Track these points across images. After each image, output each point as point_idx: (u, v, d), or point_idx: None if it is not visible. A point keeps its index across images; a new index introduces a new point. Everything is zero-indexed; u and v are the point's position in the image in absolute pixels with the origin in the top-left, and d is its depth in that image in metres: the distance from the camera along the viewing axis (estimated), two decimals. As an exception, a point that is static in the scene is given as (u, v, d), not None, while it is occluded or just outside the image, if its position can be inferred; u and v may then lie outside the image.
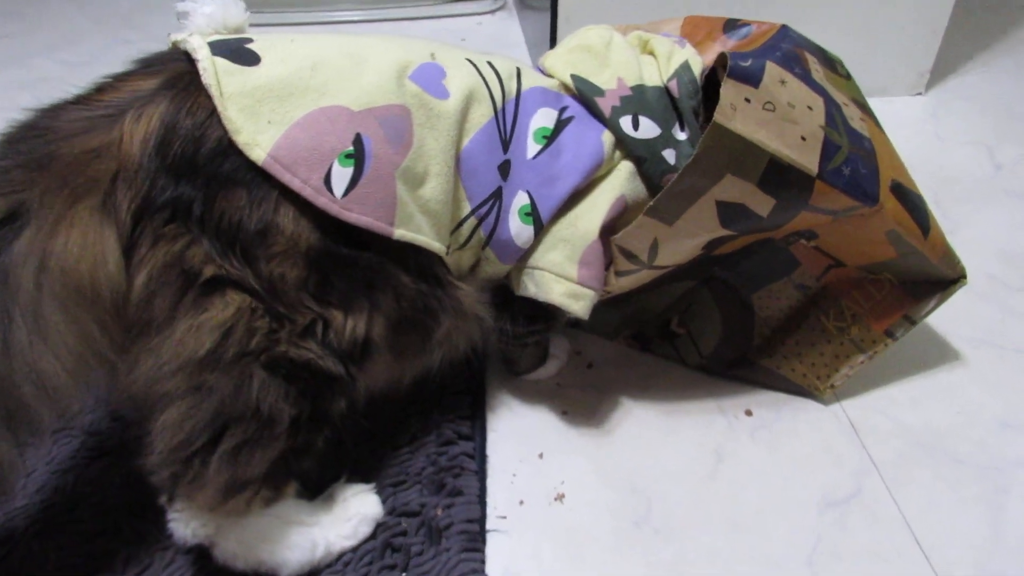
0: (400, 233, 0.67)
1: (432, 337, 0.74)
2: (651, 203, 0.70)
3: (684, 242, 0.75)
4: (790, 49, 0.76)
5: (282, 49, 0.65)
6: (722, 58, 0.76)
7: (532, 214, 0.75)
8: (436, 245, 0.70)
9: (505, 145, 0.73)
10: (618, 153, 0.77)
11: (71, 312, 0.59)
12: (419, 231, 0.68)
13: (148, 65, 0.66)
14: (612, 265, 0.78)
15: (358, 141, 0.64)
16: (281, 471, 0.68)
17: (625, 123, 0.76)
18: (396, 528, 0.75)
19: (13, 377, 0.57)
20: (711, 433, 0.87)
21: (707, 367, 0.92)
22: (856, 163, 0.74)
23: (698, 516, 0.79)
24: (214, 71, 0.62)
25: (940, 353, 0.96)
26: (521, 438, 0.86)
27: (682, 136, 0.78)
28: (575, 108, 0.77)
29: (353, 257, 0.66)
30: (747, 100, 0.68)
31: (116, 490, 0.79)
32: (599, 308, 0.93)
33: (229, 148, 0.61)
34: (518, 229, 0.75)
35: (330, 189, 0.63)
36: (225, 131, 0.61)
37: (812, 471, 0.83)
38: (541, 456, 0.84)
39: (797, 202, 0.73)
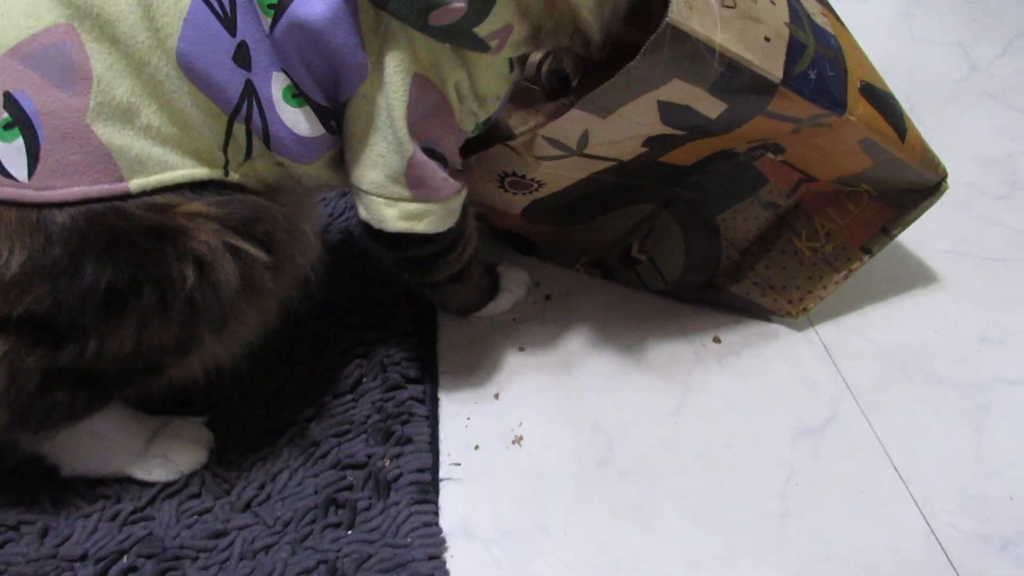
0: (139, 184, 0.53)
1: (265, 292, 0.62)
2: (584, 98, 0.62)
3: (619, 134, 0.68)
4: None
5: None
6: None
7: (300, 95, 0.58)
8: (200, 171, 0.56)
9: (230, 26, 0.55)
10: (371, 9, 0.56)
11: None
12: (165, 167, 0.55)
13: None
14: (530, 150, 0.70)
15: (10, 102, 0.49)
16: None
17: None
18: (341, 483, 0.70)
19: None
20: (677, 363, 0.81)
21: (673, 293, 0.87)
22: (823, 65, 0.66)
23: (665, 453, 0.74)
24: None
25: (916, 267, 0.91)
26: (475, 378, 0.80)
27: None
28: None
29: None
30: None
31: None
32: (555, 237, 0.86)
33: None
34: (294, 118, 0.59)
35: (7, 174, 0.50)
36: None
37: (784, 398, 0.78)
38: (497, 396, 0.78)
39: (753, 108, 0.65)
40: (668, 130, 0.68)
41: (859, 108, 0.68)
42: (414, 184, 0.63)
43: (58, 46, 0.50)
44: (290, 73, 0.57)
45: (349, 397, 0.76)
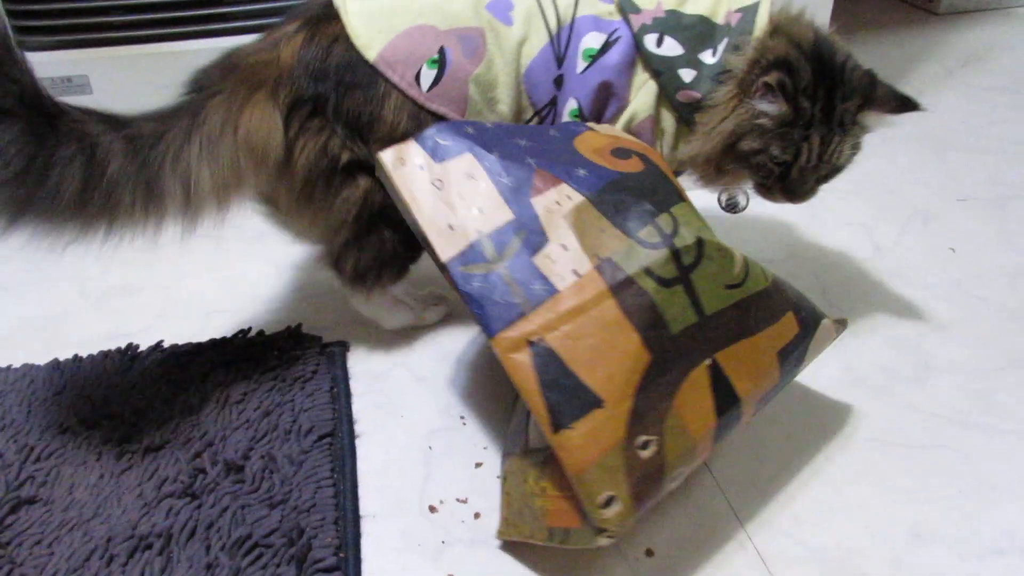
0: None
1: None
2: None
3: None
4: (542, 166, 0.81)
5: None
6: None
7: (579, 115, 0.98)
8: None
9: (560, 62, 0.95)
10: (643, 72, 0.96)
11: (241, 157, 0.88)
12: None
13: (291, 16, 0.94)
14: None
15: (442, 52, 0.92)
16: (388, 266, 1.01)
17: (649, 40, 0.94)
18: None
19: (167, 176, 0.84)
20: (610, 579, 0.78)
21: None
22: (497, 285, 0.75)
23: None
24: (343, 2, 0.92)
25: (841, 459, 0.91)
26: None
27: (710, 60, 0.93)
28: (625, 31, 0.95)
29: None
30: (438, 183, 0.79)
31: None
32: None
33: (351, 62, 0.90)
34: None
35: (419, 84, 0.91)
36: (346, 49, 0.90)
37: (722, 614, 0.75)
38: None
39: None
40: None
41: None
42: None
43: (475, 37, 0.93)
44: (581, 101, 0.97)
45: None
